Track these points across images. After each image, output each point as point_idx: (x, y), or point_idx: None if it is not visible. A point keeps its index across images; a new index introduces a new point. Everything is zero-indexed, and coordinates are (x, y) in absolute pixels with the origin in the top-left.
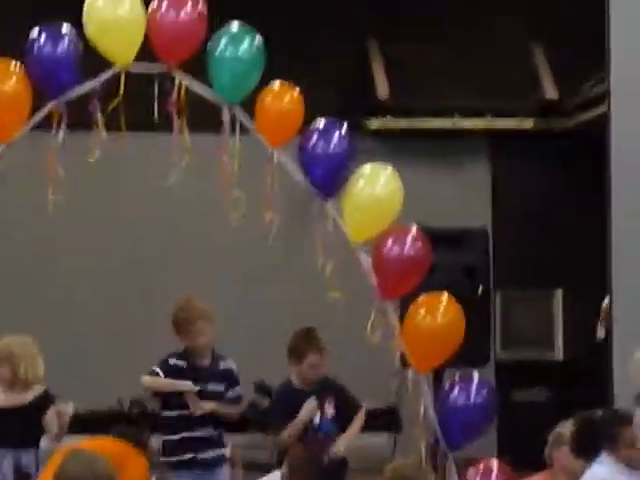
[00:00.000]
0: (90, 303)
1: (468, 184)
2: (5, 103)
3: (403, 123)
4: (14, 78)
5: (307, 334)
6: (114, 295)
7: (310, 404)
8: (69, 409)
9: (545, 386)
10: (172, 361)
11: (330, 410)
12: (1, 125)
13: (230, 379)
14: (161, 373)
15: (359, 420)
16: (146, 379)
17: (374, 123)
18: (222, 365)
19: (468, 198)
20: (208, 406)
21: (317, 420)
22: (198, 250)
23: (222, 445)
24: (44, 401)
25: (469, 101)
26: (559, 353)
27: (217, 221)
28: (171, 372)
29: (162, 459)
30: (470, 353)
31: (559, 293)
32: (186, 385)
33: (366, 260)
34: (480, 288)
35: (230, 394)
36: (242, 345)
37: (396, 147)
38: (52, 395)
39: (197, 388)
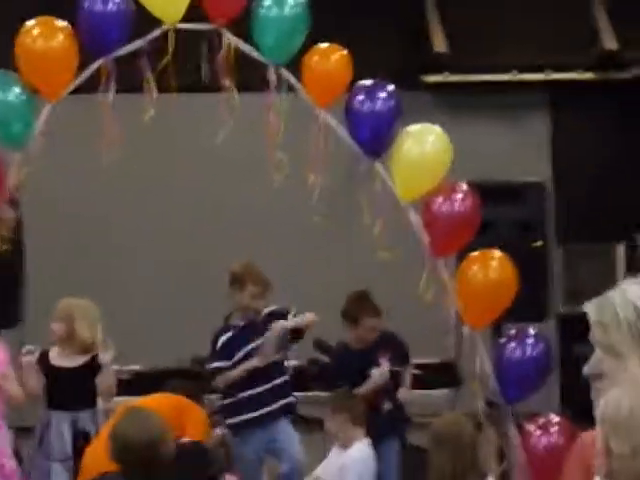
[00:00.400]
0: (147, 264)
1: (527, 139)
2: (53, 60)
3: (461, 78)
4: (62, 35)
5: (360, 298)
6: (169, 255)
7: (382, 371)
8: (107, 356)
9: None
10: (221, 340)
11: (385, 364)
12: (50, 82)
13: (279, 314)
14: (221, 364)
15: (408, 376)
16: (218, 381)
17: (432, 79)
18: (267, 310)
19: (527, 153)
20: (278, 327)
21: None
22: (247, 210)
23: (287, 395)
24: (96, 365)
25: (527, 55)
26: None
27: (262, 181)
28: (226, 353)
29: (226, 420)
30: (528, 308)
31: (621, 247)
32: (252, 364)
33: (416, 218)
34: (537, 243)
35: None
36: (291, 306)
37: (454, 103)
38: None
39: (256, 363)
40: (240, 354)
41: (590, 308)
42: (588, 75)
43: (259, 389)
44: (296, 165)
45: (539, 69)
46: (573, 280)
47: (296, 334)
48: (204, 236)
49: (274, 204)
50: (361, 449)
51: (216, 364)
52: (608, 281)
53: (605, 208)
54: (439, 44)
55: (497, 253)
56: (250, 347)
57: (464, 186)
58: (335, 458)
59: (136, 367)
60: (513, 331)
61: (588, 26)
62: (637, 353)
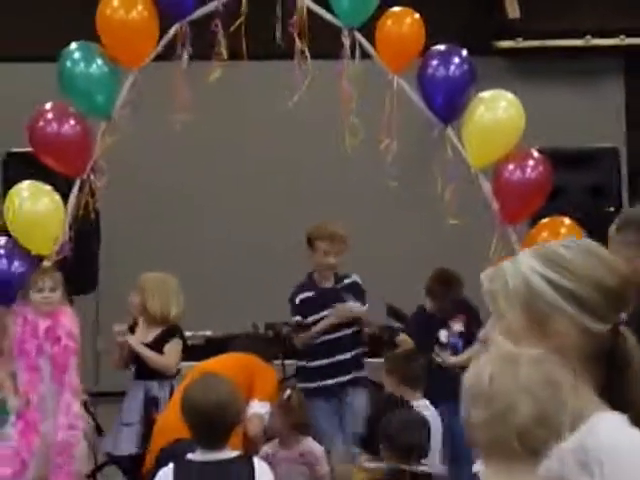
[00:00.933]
0: (222, 232)
1: (601, 104)
2: (134, 30)
3: (534, 44)
4: (141, 5)
5: (446, 279)
6: (243, 221)
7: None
8: (117, 327)
9: None
10: (300, 297)
11: (457, 327)
12: (132, 52)
13: (356, 291)
14: (300, 318)
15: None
16: (299, 337)
17: (504, 44)
18: (346, 280)
19: (602, 118)
20: (344, 309)
21: (444, 337)
22: (320, 175)
23: (360, 367)
24: (163, 338)
25: (601, 20)
26: None
27: (336, 147)
28: (304, 309)
29: (299, 385)
30: None
31: None
32: (330, 320)
33: (487, 185)
34: (610, 208)
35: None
36: (364, 271)
37: (527, 68)
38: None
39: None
40: (316, 316)
41: (484, 276)
42: None
43: (334, 359)
44: (370, 131)
45: (613, 34)
46: None
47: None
48: (278, 202)
49: (348, 170)
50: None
51: (297, 318)
52: None
53: None
54: (512, 9)
55: (567, 220)
56: (324, 313)
57: (535, 153)
58: None
59: (209, 332)
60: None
61: None
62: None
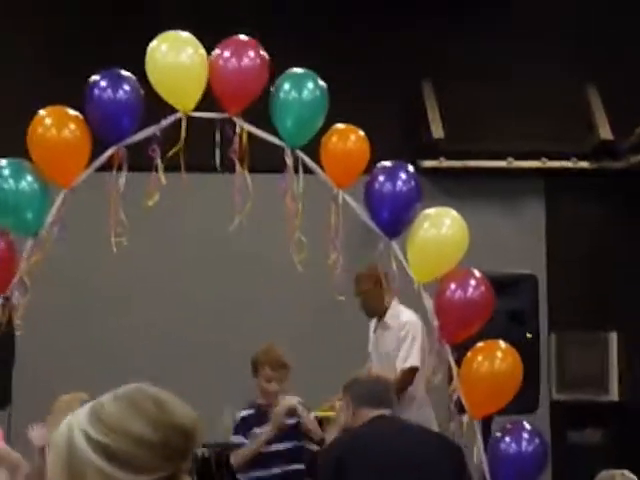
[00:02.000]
0: (153, 354)
1: (522, 226)
2: (66, 149)
3: (457, 164)
4: (73, 124)
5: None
6: (181, 344)
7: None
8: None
9: (600, 427)
10: (242, 415)
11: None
12: (63, 170)
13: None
14: (239, 438)
15: None
16: (235, 455)
17: (428, 164)
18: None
19: (522, 241)
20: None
21: None
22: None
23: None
24: None
25: (523, 143)
26: (614, 394)
27: (282, 262)
28: (244, 427)
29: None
30: (519, 400)
31: (614, 336)
32: (266, 434)
33: (429, 302)
34: (528, 335)
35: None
36: (316, 369)
37: (449, 187)
38: None
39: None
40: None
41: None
42: (583, 163)
43: (271, 472)
44: (314, 246)
45: (535, 157)
46: (566, 368)
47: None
48: (223, 322)
49: (293, 286)
50: None
51: (235, 438)
52: (600, 369)
53: (599, 296)
54: (436, 129)
55: (503, 344)
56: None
57: (478, 273)
58: None
59: None
60: (509, 425)
61: (584, 115)
62: None
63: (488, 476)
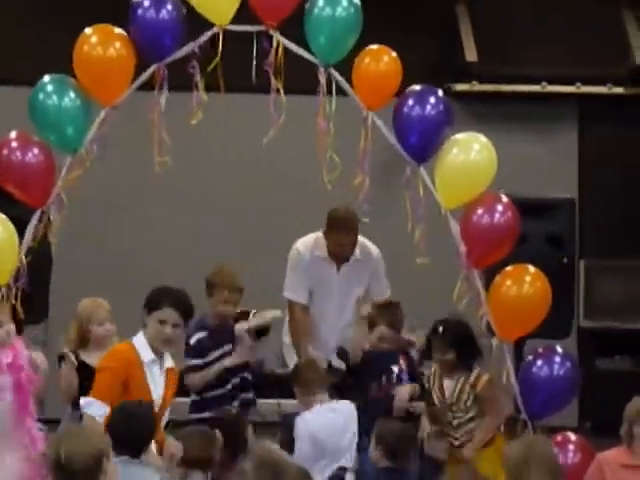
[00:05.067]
0: (181, 269)
1: (555, 152)
2: (110, 67)
3: (490, 88)
4: (118, 43)
5: (383, 307)
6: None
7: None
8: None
9: (630, 355)
10: (194, 338)
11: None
12: (106, 88)
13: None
14: (195, 361)
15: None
16: (191, 378)
17: (460, 87)
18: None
19: (556, 166)
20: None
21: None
22: (290, 211)
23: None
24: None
25: (557, 68)
26: None
27: (313, 183)
28: (198, 351)
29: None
30: (552, 324)
31: None
32: (223, 364)
33: (455, 227)
34: (563, 259)
35: None
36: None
37: (481, 111)
38: None
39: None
40: (212, 356)
41: None
42: (618, 89)
43: (223, 390)
44: (344, 167)
45: (569, 82)
46: (595, 294)
47: (261, 332)
48: (246, 237)
49: (320, 206)
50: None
51: (191, 362)
52: (631, 296)
53: (632, 223)
54: (470, 52)
55: (531, 268)
56: (221, 352)
57: (505, 198)
58: None
59: None
60: (540, 349)
61: (620, 40)
62: None
63: (519, 399)
